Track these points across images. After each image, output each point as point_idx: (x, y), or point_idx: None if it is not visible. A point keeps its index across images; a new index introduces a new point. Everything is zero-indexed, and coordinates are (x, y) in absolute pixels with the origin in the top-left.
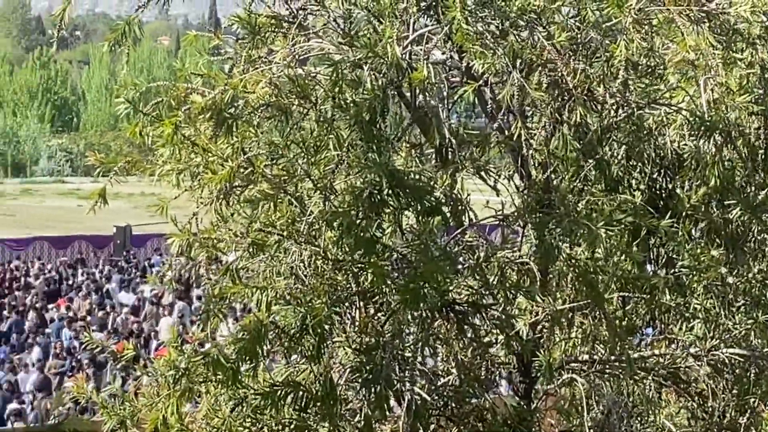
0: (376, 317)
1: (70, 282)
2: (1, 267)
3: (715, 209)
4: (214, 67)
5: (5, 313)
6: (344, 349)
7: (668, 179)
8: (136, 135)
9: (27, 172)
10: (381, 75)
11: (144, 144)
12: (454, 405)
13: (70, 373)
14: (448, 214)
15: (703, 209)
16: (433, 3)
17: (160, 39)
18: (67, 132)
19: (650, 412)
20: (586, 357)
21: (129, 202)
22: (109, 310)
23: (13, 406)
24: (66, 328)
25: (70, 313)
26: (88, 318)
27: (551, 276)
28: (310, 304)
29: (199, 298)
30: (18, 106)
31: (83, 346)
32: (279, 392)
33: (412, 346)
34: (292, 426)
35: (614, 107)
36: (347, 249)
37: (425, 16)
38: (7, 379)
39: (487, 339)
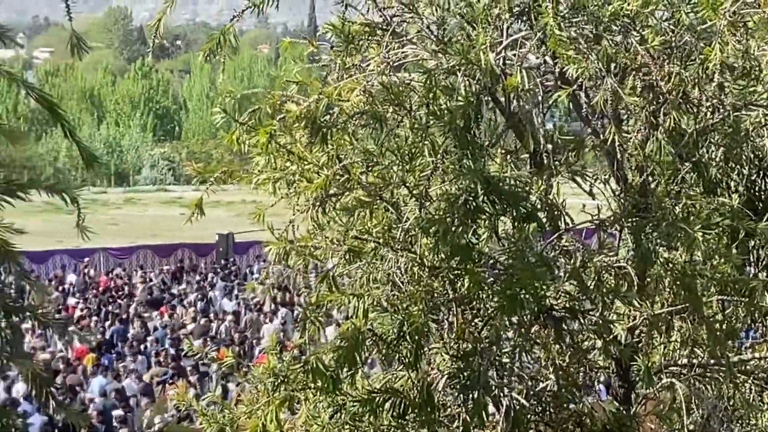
0: (473, 323)
1: (173, 290)
2: (105, 276)
3: None
4: (313, 75)
5: (107, 323)
6: (442, 355)
7: (767, 181)
8: (234, 143)
9: (130, 181)
10: (475, 81)
11: (242, 152)
12: (552, 410)
13: (171, 381)
14: (544, 220)
15: None
16: (526, 9)
17: (259, 47)
18: (169, 141)
19: (751, 415)
20: (685, 361)
21: (230, 210)
22: (212, 317)
23: (118, 412)
24: (168, 336)
25: (173, 321)
26: (191, 326)
27: (649, 280)
28: (407, 310)
29: (299, 305)
30: (120, 116)
31: (185, 354)
32: (377, 399)
33: (509, 352)
34: None
35: (710, 110)
36: (443, 255)
37: (518, 21)
38: (113, 386)
39: (585, 344)
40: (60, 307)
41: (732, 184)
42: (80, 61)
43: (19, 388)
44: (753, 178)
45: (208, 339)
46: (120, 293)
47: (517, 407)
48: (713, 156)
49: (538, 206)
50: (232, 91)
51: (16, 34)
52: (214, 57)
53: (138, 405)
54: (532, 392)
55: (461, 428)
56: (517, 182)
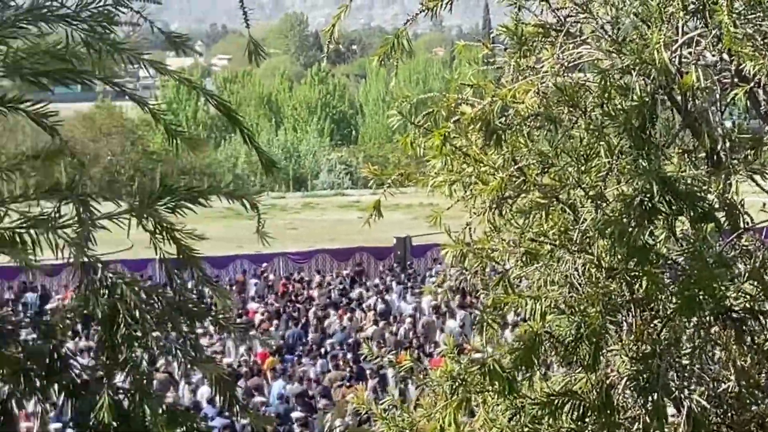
0: (651, 325)
1: (352, 293)
2: (285, 280)
3: None
4: (488, 77)
5: (281, 327)
6: (620, 357)
7: None
8: (409, 147)
9: (308, 186)
10: (650, 80)
11: (418, 155)
12: (734, 412)
13: (349, 384)
14: (723, 219)
15: None
16: (701, 6)
17: (434, 50)
18: (345, 145)
19: None
20: None
21: (408, 213)
22: (390, 320)
23: (297, 414)
24: (347, 340)
25: (352, 324)
26: (370, 329)
27: None
28: (584, 312)
29: (477, 307)
30: (298, 121)
31: (364, 358)
32: (556, 401)
33: (689, 354)
34: None
35: None
36: (620, 257)
37: (693, 19)
38: (293, 390)
39: (767, 345)
40: (240, 311)
41: None
42: (258, 68)
43: (203, 392)
44: None
45: (386, 342)
46: (299, 297)
47: (698, 409)
48: None
49: (716, 206)
50: (408, 96)
51: (194, 42)
52: (388, 61)
53: (317, 408)
54: (713, 394)
55: (641, 430)
56: (694, 182)
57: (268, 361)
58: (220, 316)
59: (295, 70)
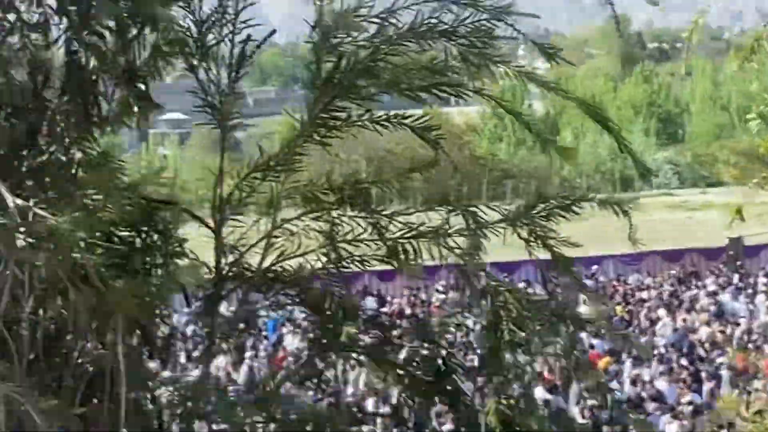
0: None
1: (683, 295)
2: (615, 281)
3: None
4: None
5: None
6: None
7: None
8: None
9: (635, 187)
10: None
11: (758, 154)
12: None
13: (682, 387)
14: None
15: None
16: None
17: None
18: (672, 144)
19: None
20: None
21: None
22: (724, 322)
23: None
24: (680, 341)
25: (685, 326)
26: (703, 330)
27: None
28: None
29: None
30: (623, 121)
31: (700, 359)
32: None
33: None
34: None
35: None
36: None
37: None
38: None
39: None
40: None
41: None
42: (593, 65)
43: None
44: None
45: (720, 343)
46: (629, 299)
47: None
48: None
49: None
50: (765, 98)
51: (518, 46)
52: (747, 63)
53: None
54: None
55: None
56: None
57: (603, 361)
58: (597, 321)
59: (619, 70)
